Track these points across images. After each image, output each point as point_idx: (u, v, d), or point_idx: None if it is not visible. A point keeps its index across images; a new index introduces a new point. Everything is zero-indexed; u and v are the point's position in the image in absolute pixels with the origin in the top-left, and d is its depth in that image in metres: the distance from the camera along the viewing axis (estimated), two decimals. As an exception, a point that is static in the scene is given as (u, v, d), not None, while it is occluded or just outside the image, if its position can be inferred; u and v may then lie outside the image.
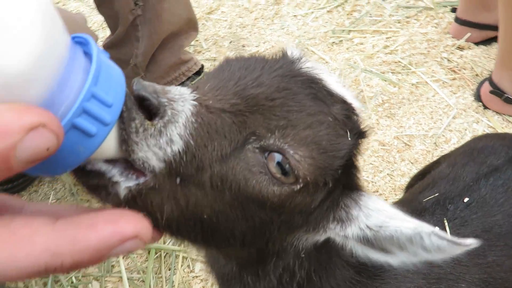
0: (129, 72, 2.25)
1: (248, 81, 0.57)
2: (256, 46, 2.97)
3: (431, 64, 2.62)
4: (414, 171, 2.07)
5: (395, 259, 0.63)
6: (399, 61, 2.65)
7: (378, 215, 0.63)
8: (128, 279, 1.89)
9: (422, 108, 2.40)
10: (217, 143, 0.53)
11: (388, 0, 3.08)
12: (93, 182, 0.47)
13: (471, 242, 0.59)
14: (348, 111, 0.64)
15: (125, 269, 1.93)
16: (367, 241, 0.63)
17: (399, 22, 2.91)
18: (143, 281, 1.90)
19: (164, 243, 2.02)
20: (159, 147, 0.48)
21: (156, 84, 0.50)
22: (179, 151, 0.50)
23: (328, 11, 3.11)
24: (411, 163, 2.18)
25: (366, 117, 2.39)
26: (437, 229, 0.59)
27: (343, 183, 0.65)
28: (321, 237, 0.66)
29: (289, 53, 0.67)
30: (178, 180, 0.51)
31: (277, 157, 0.55)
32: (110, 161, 0.47)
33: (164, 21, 2.22)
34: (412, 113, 2.39)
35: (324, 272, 0.74)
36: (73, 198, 2.20)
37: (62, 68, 0.34)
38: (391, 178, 2.14)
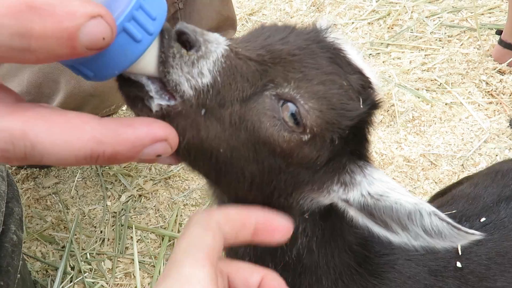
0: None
1: (275, 39, 0.63)
2: (292, 51, 2.99)
3: (468, 86, 2.55)
4: (437, 190, 2.02)
5: (396, 238, 0.64)
6: (435, 79, 2.60)
7: (380, 185, 0.65)
8: (139, 262, 1.94)
9: (453, 128, 2.35)
10: (240, 85, 0.58)
11: (432, 17, 3.03)
12: (133, 92, 0.54)
13: (474, 233, 0.59)
14: (365, 82, 0.67)
15: (138, 252, 1.97)
16: (368, 211, 0.65)
17: (440, 40, 2.86)
18: (153, 266, 1.94)
19: (179, 232, 2.06)
20: (191, 76, 0.55)
21: (197, 27, 0.57)
22: (207, 85, 0.56)
23: (368, 23, 3.09)
24: (435, 182, 2.13)
25: (394, 131, 2.36)
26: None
27: (351, 149, 0.68)
28: (325, 199, 0.68)
29: (318, 25, 0.72)
30: (203, 111, 0.57)
31: (292, 108, 0.59)
32: (150, 79, 0.54)
33: (203, 16, 2.27)
34: (442, 133, 2.33)
35: (324, 247, 0.75)
36: (98, 179, 2.28)
37: None
38: (412, 195, 2.10)
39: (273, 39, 0.63)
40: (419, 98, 2.51)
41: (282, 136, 0.60)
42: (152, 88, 0.54)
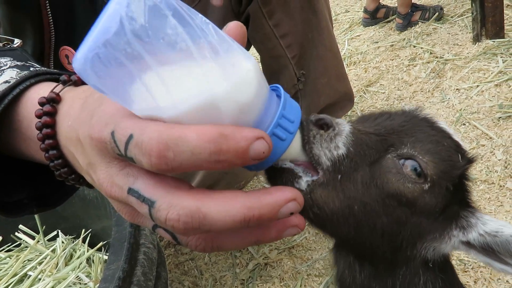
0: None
1: (383, 119, 0.80)
2: (412, 118, 2.97)
3: None
4: None
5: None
6: None
7: (493, 223, 0.77)
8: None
9: None
10: (367, 152, 0.74)
11: None
12: (284, 177, 0.67)
13: None
14: (456, 145, 0.81)
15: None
16: (486, 250, 0.76)
17: None
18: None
19: (302, 302, 2.09)
20: (329, 149, 0.69)
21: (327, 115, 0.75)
22: (342, 155, 0.71)
23: (496, 85, 2.95)
24: None
25: (536, 200, 2.15)
26: None
27: (460, 198, 0.80)
28: (446, 245, 0.79)
29: (407, 109, 0.88)
30: (339, 177, 0.70)
31: (412, 164, 0.74)
32: (293, 163, 0.69)
33: (322, 94, 2.43)
34: None
35: None
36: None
37: (265, 101, 0.57)
38: None
39: (380, 119, 0.80)
40: None
41: (407, 187, 0.73)
42: (299, 170, 0.68)
